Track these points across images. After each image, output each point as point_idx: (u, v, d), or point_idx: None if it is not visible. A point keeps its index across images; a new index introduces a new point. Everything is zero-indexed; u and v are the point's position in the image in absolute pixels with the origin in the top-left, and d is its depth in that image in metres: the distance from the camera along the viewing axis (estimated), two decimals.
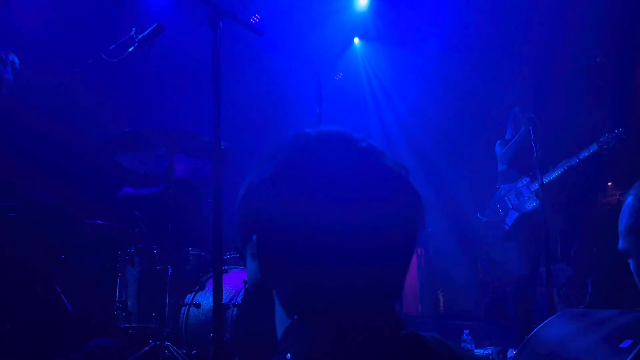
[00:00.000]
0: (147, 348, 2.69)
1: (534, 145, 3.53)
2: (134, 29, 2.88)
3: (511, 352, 3.79)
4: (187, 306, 2.97)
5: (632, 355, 1.67)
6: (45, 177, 4.18)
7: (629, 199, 1.10)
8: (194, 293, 3.02)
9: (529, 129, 3.56)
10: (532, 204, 3.91)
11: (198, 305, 2.93)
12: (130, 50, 2.87)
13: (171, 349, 2.69)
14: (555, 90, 5.16)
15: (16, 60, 3.08)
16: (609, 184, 5.36)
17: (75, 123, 4.13)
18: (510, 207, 4.01)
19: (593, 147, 3.73)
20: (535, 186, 3.88)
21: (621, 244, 1.11)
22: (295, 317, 0.75)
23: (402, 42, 5.77)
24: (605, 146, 3.69)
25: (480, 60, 5.26)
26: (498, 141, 4.20)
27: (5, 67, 3.04)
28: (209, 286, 3.04)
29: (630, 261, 1.11)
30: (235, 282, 2.89)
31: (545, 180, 3.66)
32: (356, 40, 6.13)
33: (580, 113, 5.11)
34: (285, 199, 0.72)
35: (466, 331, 4.35)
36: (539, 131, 3.59)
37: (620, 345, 1.78)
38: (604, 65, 5.42)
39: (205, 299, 2.97)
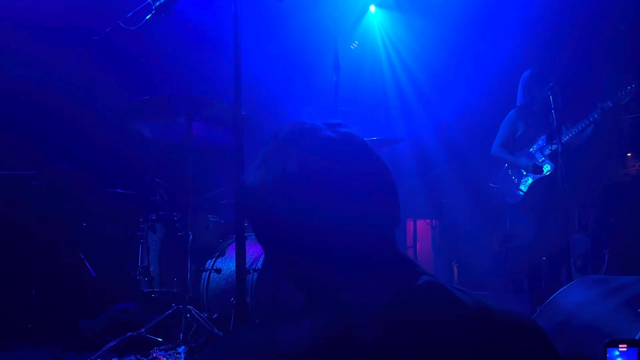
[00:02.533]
0: (169, 312, 2.76)
1: (554, 113, 3.49)
2: None
3: None
4: (208, 271, 3.03)
5: None
6: (66, 146, 4.24)
7: None
8: (214, 259, 3.08)
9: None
10: (547, 169, 3.83)
11: (219, 271, 2.99)
12: (147, 17, 2.85)
13: (193, 312, 2.76)
14: (571, 54, 5.06)
15: None
16: (629, 154, 5.29)
17: (95, 92, 4.15)
18: (525, 173, 3.92)
19: (607, 104, 3.64)
20: (548, 151, 3.82)
21: None
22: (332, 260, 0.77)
23: (419, 10, 5.68)
24: (621, 102, 3.61)
25: (499, 27, 5.16)
26: (511, 112, 4.08)
27: None
28: (229, 252, 3.10)
29: None
30: (255, 248, 2.94)
31: (563, 140, 3.62)
32: (372, 8, 6.03)
33: (595, 77, 5.02)
34: (301, 196, 0.76)
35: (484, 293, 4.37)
36: (559, 100, 3.54)
37: (638, 310, 1.79)
38: (626, 32, 5.29)
39: (225, 264, 3.03)
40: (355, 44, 5.79)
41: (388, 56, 6.06)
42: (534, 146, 3.92)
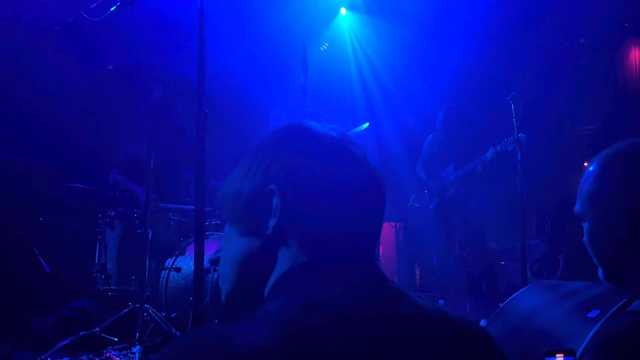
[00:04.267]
0: (125, 310, 2.70)
1: (515, 122, 3.58)
2: None
3: (483, 323, 3.91)
4: (167, 270, 2.98)
5: (598, 325, 1.73)
6: (22, 138, 4.10)
7: (592, 167, 1.16)
8: (174, 257, 3.03)
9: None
10: (450, 192, 4.41)
11: (178, 270, 2.94)
12: (112, 9, 2.79)
13: (150, 311, 2.71)
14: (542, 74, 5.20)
15: None
16: (585, 164, 5.47)
17: (53, 82, 4.03)
18: (433, 192, 4.54)
19: (496, 148, 4.01)
20: (454, 177, 4.38)
21: (578, 208, 1.21)
22: (303, 259, 0.78)
23: (387, 14, 5.73)
24: (506, 148, 3.95)
25: (459, 33, 5.26)
26: (430, 136, 4.63)
27: None
28: (190, 251, 3.05)
29: (584, 225, 1.20)
30: (216, 247, 2.90)
31: (456, 175, 4.30)
32: (343, 10, 6.06)
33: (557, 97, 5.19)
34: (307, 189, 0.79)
35: (441, 301, 4.46)
36: (520, 109, 3.64)
37: (588, 315, 1.85)
38: (587, 46, 5.47)
39: (185, 263, 2.99)
40: (325, 45, 5.81)
41: (356, 58, 6.11)
42: (446, 171, 4.49)
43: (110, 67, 2.76)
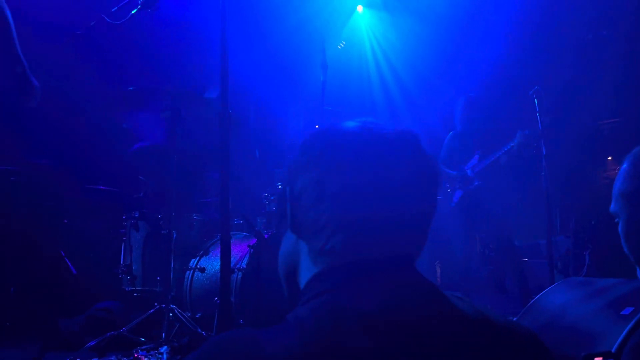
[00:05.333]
0: (152, 311, 2.72)
1: (539, 117, 3.52)
2: None
3: None
4: (192, 270, 3.00)
5: (633, 322, 1.70)
6: (47, 142, 4.16)
7: (625, 165, 1.15)
8: (198, 258, 3.05)
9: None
10: (475, 184, 4.23)
11: (202, 270, 2.96)
12: (133, 12, 2.82)
13: (176, 312, 2.73)
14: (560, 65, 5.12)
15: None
16: (609, 158, 5.37)
17: (78, 87, 4.08)
18: (457, 187, 4.34)
19: (518, 137, 3.92)
20: (479, 168, 4.20)
21: (612, 207, 1.18)
22: (335, 262, 0.76)
23: (406, 11, 5.68)
24: (530, 133, 3.84)
25: (485, 29, 5.19)
26: (450, 133, 4.45)
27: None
28: (213, 251, 3.07)
29: (619, 222, 1.17)
30: (240, 247, 2.92)
31: (481, 166, 4.15)
32: (360, 8, 6.03)
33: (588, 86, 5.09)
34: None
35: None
36: (543, 103, 3.58)
37: (622, 313, 1.81)
38: (609, 39, 5.37)
39: (209, 263, 3.00)
40: (343, 43, 5.79)
41: (375, 56, 6.07)
42: (469, 163, 4.32)
43: (131, 89, 2.79)
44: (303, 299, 0.76)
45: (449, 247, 5.71)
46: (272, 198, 3.43)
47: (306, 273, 0.80)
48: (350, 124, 0.82)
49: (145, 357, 2.32)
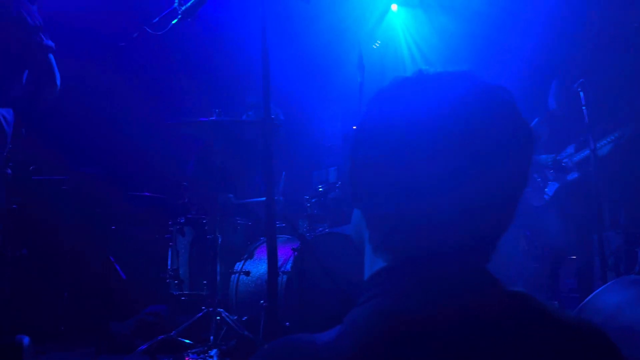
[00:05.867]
0: (200, 314, 2.78)
1: (585, 110, 3.42)
2: (176, 0, 2.89)
3: None
4: (237, 274, 3.04)
5: None
6: (94, 151, 4.31)
7: None
8: (243, 261, 3.09)
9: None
10: (573, 175, 3.84)
11: (247, 273, 3.00)
12: (173, 22, 2.87)
13: (223, 315, 2.77)
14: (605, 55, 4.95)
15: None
16: None
17: (122, 97, 4.21)
18: (551, 178, 3.93)
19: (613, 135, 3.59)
20: (578, 157, 3.79)
21: None
22: (383, 264, 0.71)
23: (442, 7, 5.60)
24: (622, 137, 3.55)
25: (525, 24, 5.07)
26: (536, 119, 4.05)
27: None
28: (257, 254, 3.10)
29: None
30: (283, 250, 2.94)
31: (580, 157, 3.70)
32: (394, 7, 5.99)
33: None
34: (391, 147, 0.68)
35: None
36: (590, 96, 3.47)
37: None
38: None
39: (254, 267, 3.04)
40: (378, 43, 5.76)
41: (411, 55, 6.01)
42: (562, 153, 3.90)
43: (169, 122, 2.88)
44: (361, 299, 0.72)
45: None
46: (313, 201, 3.45)
47: (368, 261, 0.76)
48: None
49: None
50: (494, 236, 0.70)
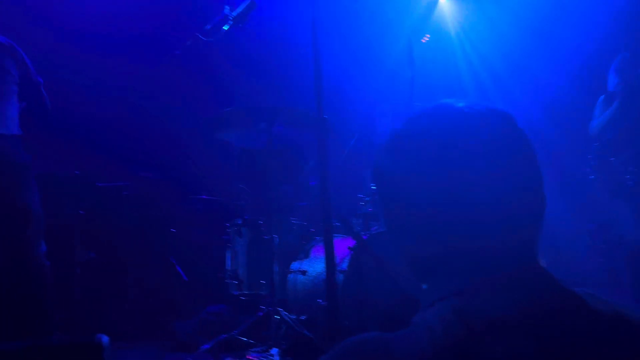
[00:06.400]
0: (260, 314, 2.82)
1: None
2: (227, 7, 2.95)
3: None
4: (294, 274, 3.07)
5: None
6: (153, 157, 4.46)
7: None
8: (299, 261, 3.12)
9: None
10: None
11: (304, 273, 3.02)
12: (225, 28, 2.94)
13: (282, 314, 2.80)
14: None
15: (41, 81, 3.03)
16: None
17: (179, 103, 4.34)
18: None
19: None
20: None
21: None
22: (458, 263, 0.73)
23: None
24: None
25: (584, 8, 4.85)
26: (601, 97, 3.82)
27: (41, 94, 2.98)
28: (313, 254, 3.12)
29: None
30: (339, 249, 2.94)
31: None
32: None
33: None
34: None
35: None
36: None
37: None
38: None
39: (310, 266, 3.06)
40: (427, 37, 5.65)
41: (463, 47, 5.87)
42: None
43: (228, 109, 2.95)
44: (427, 301, 0.74)
45: (554, 238, 5.40)
46: (367, 199, 3.43)
47: None
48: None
49: (258, 359, 2.41)
50: (535, 236, 0.75)
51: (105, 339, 0.83)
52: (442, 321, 0.66)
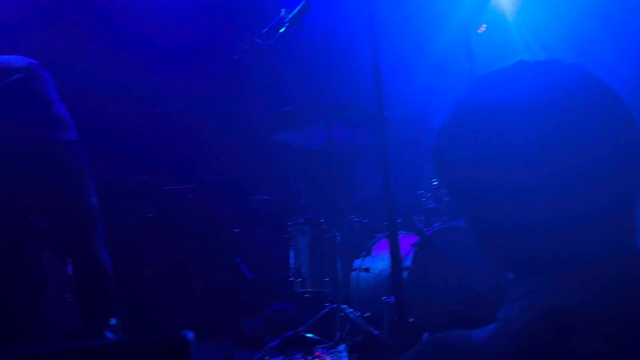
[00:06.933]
0: (325, 311, 2.85)
1: None
2: (283, 9, 2.99)
3: None
4: (357, 271, 3.09)
5: None
6: (215, 160, 4.61)
7: None
8: (361, 258, 3.13)
9: None
10: None
11: (367, 270, 3.03)
12: (281, 31, 2.98)
13: (346, 311, 2.82)
14: None
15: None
16: None
17: (239, 106, 4.45)
18: None
19: None
20: None
21: None
22: (510, 275, 0.69)
23: None
24: None
25: None
26: None
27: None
28: (375, 251, 3.13)
29: None
30: (402, 246, 2.93)
31: None
32: None
33: None
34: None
35: None
36: None
37: None
38: None
39: (373, 263, 3.06)
40: (484, 27, 5.50)
41: (523, 35, 5.65)
42: None
43: (287, 109, 2.99)
44: (512, 295, 0.69)
45: None
46: (428, 195, 3.40)
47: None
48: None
49: (327, 355, 2.44)
50: (630, 232, 0.65)
51: (190, 334, 0.87)
52: (527, 318, 0.63)
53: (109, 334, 2.60)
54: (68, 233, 2.76)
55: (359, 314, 2.94)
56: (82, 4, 4.51)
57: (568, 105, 0.63)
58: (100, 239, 2.76)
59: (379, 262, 3.04)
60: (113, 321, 2.64)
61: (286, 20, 2.96)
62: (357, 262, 3.15)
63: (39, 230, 2.84)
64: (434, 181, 3.40)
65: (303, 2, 2.92)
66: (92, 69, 4.26)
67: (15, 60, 2.79)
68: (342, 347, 2.51)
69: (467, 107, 0.70)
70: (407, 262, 2.80)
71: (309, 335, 2.78)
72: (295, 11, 2.95)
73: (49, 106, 2.76)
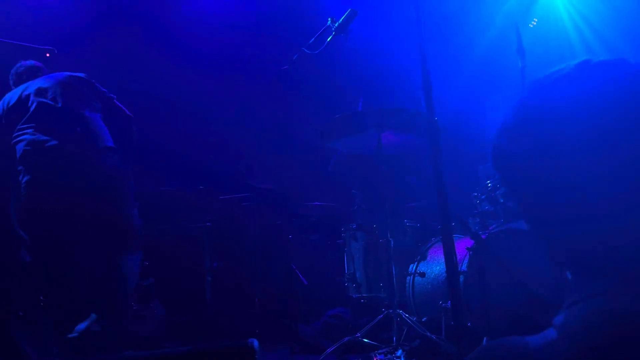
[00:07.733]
0: (381, 316, 2.86)
1: None
2: (329, 19, 3.03)
3: None
4: (412, 276, 3.07)
5: None
6: (269, 169, 4.71)
7: None
8: (416, 263, 3.11)
9: None
10: None
11: (422, 275, 3.01)
12: (328, 39, 3.02)
13: (403, 316, 2.82)
14: None
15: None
16: None
17: (290, 115, 4.54)
18: None
19: None
20: None
21: None
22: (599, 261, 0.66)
23: None
24: None
25: None
26: None
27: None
28: (430, 255, 3.10)
29: None
30: (458, 249, 2.89)
31: None
32: None
33: None
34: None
35: None
36: None
37: None
38: None
39: (428, 268, 3.04)
40: (535, 21, 5.34)
41: (578, 30, 5.41)
42: None
43: (338, 116, 3.04)
44: (570, 299, 0.68)
45: None
46: (483, 197, 3.34)
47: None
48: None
49: None
50: None
51: (256, 343, 0.91)
52: (585, 324, 0.62)
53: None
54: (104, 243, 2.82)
55: (415, 318, 2.93)
56: (141, 19, 4.72)
57: (634, 106, 0.63)
58: (134, 248, 2.85)
59: (434, 267, 3.02)
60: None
61: (333, 29, 3.00)
62: (412, 267, 3.13)
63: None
64: (489, 182, 3.34)
65: (349, 11, 2.96)
66: (151, 83, 4.46)
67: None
68: (399, 352, 2.51)
69: (532, 107, 0.70)
70: (463, 267, 2.77)
71: (366, 340, 2.80)
72: (341, 20, 2.98)
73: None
